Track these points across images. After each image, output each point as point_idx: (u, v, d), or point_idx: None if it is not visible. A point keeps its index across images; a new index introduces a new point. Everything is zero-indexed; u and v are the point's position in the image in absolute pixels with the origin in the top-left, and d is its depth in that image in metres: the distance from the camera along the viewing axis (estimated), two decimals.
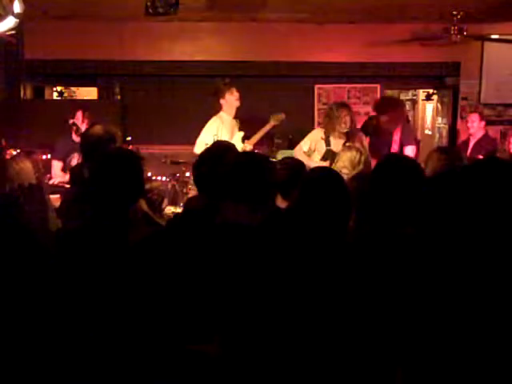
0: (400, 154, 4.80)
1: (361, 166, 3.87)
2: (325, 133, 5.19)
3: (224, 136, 5.53)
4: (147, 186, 3.32)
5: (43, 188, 3.05)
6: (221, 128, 5.64)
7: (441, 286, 1.78)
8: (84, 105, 5.91)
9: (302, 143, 5.39)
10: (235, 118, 5.79)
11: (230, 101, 5.66)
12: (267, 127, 5.79)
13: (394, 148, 5.99)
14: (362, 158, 3.91)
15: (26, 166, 3.03)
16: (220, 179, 2.32)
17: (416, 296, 1.84)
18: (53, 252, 2.18)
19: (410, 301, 1.85)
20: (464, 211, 1.84)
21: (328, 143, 5.17)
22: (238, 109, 5.75)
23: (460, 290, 1.76)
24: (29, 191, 2.88)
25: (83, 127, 5.29)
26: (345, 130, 5.16)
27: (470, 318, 1.72)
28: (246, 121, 5.84)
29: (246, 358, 1.83)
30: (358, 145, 5.04)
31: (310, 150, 5.28)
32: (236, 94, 5.69)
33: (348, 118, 5.13)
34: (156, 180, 3.66)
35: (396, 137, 5.98)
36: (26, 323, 1.90)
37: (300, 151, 5.32)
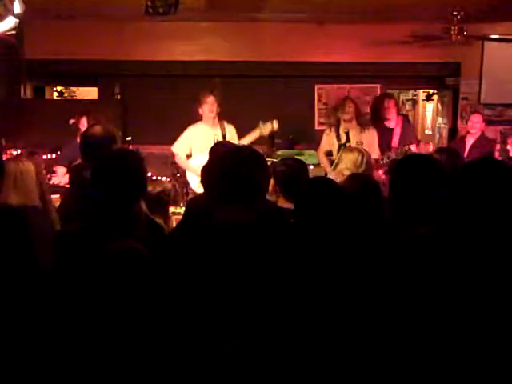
0: (419, 153, 4.81)
1: (363, 168, 3.85)
2: (335, 128, 5.59)
3: (197, 146, 5.46)
4: (160, 188, 3.37)
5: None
6: (194, 138, 5.53)
7: (451, 286, 1.79)
8: (87, 110, 5.87)
9: (321, 145, 5.81)
10: (227, 123, 5.61)
11: (205, 111, 5.48)
12: (252, 137, 5.50)
13: (395, 142, 6.05)
14: (364, 159, 3.90)
15: (29, 167, 3.04)
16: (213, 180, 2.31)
17: (425, 296, 1.83)
18: (53, 252, 2.18)
19: (418, 301, 1.84)
20: (470, 210, 1.84)
21: (338, 137, 5.43)
22: (221, 114, 5.56)
23: (465, 289, 1.76)
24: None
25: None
26: (347, 117, 5.53)
27: (477, 319, 1.72)
28: (245, 121, 5.82)
29: (261, 353, 1.83)
30: (362, 141, 5.15)
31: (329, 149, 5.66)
32: (208, 103, 5.44)
33: (351, 109, 5.58)
34: (165, 181, 3.69)
35: (397, 129, 6.08)
36: (26, 326, 1.90)
37: (321, 153, 5.78)
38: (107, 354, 1.82)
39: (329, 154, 5.72)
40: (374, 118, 6.59)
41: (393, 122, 6.26)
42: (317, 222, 2.23)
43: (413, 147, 6.08)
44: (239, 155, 2.06)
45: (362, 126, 5.70)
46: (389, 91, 7.94)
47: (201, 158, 5.43)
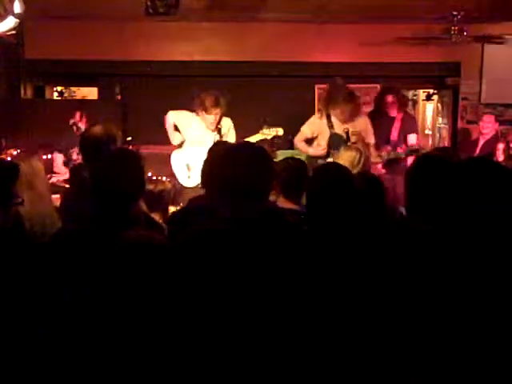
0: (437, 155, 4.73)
1: (360, 166, 3.90)
2: (326, 115, 5.30)
3: (190, 140, 5.37)
4: (161, 187, 3.38)
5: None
6: (187, 130, 5.36)
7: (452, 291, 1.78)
8: (81, 106, 5.99)
9: (304, 131, 5.48)
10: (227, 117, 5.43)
11: (207, 120, 5.24)
12: (253, 139, 5.33)
13: (394, 135, 5.99)
14: (362, 159, 3.94)
15: (39, 166, 3.04)
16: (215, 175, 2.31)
17: (430, 301, 1.83)
18: (52, 252, 2.18)
19: (424, 307, 1.84)
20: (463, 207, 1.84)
21: (331, 126, 5.26)
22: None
23: (467, 293, 1.76)
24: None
25: (82, 126, 5.42)
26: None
27: (483, 325, 1.72)
28: (245, 122, 5.82)
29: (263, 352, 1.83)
30: (359, 145, 5.08)
31: (313, 135, 5.40)
32: (213, 115, 5.19)
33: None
34: (166, 181, 3.70)
35: (396, 124, 5.98)
36: (25, 324, 1.90)
37: (301, 140, 5.48)
38: (114, 352, 1.82)
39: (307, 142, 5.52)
40: (375, 110, 6.43)
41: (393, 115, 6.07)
42: (326, 215, 2.24)
43: (413, 136, 6.01)
44: (245, 152, 2.04)
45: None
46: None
47: (189, 150, 5.38)
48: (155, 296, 1.87)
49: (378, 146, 5.57)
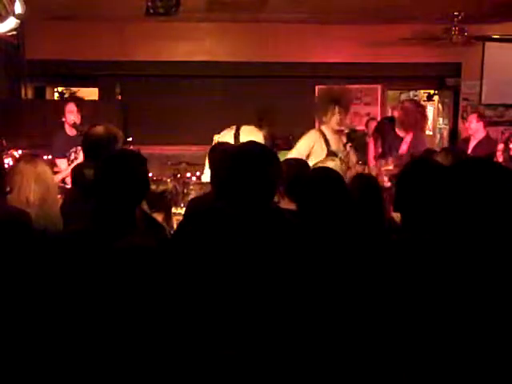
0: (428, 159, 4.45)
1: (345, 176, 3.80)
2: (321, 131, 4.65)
3: None
4: (163, 187, 3.38)
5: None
6: None
7: (445, 288, 1.78)
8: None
9: (298, 146, 4.69)
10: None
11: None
12: None
13: (403, 149, 5.89)
14: (344, 167, 3.90)
15: (45, 168, 3.04)
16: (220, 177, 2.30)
17: (422, 299, 1.83)
18: (55, 253, 2.18)
19: (416, 304, 1.84)
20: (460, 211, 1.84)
21: (327, 143, 4.61)
22: None
23: (460, 290, 1.76)
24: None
25: (80, 126, 5.19)
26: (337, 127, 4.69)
27: (475, 322, 1.72)
28: (245, 122, 5.81)
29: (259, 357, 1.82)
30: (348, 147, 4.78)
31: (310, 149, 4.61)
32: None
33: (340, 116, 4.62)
34: (167, 181, 3.71)
35: (408, 138, 5.77)
36: (24, 323, 1.90)
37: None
38: (108, 354, 1.82)
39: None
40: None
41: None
42: (319, 216, 2.24)
43: None
44: (252, 152, 2.03)
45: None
46: (389, 92, 7.95)
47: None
48: (151, 297, 1.86)
49: (384, 156, 5.41)
